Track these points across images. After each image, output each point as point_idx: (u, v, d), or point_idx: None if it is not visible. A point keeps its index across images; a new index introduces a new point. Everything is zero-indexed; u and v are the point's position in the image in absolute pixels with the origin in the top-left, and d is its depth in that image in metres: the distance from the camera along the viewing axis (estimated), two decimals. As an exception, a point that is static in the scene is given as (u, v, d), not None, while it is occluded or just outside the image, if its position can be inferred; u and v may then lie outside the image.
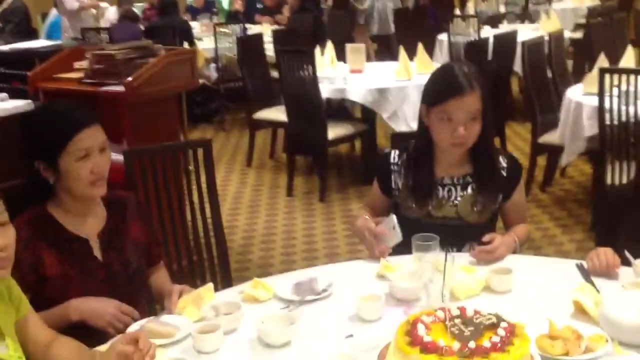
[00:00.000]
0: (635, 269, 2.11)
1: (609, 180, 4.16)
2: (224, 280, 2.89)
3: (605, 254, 2.19)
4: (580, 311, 1.94)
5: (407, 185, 2.51)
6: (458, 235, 2.30)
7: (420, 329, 1.63)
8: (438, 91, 2.39)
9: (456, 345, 1.55)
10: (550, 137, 4.97)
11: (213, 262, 2.91)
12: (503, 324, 1.65)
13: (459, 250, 2.34)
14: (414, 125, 5.22)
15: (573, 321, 1.84)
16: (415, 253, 2.17)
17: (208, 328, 1.88)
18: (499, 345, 1.56)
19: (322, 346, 1.86)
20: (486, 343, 1.56)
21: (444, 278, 1.97)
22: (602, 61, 4.61)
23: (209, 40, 8.01)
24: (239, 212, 5.31)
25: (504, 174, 2.48)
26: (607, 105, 4.07)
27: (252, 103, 6.27)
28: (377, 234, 2.33)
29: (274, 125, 6.22)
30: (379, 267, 2.25)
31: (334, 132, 5.39)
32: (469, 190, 2.46)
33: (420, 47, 5.63)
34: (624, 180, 4.10)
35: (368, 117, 5.79)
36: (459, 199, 2.47)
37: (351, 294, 2.10)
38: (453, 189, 2.47)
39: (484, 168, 2.46)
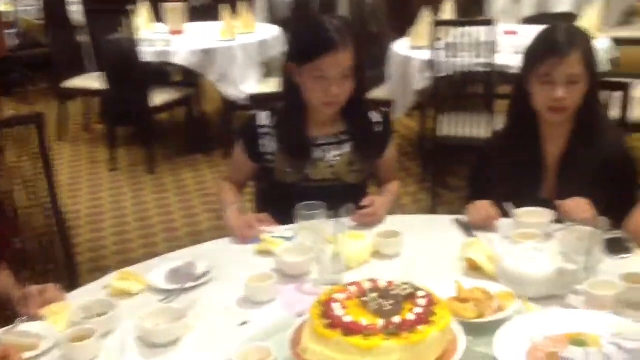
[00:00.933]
0: (516, 219, 2.11)
1: (442, 132, 4.23)
2: (69, 270, 2.58)
3: (484, 207, 2.17)
4: (473, 268, 1.89)
5: (281, 149, 2.34)
6: (336, 198, 2.16)
7: (337, 309, 1.48)
8: (309, 48, 2.23)
9: (380, 322, 1.43)
10: (377, 92, 4.98)
11: (54, 253, 2.58)
12: (420, 293, 1.54)
13: (336, 214, 2.22)
14: (243, 88, 5.06)
15: (478, 280, 1.78)
16: (300, 223, 2.02)
17: (81, 333, 1.61)
18: (423, 316, 1.46)
19: (216, 338, 1.66)
20: (410, 316, 1.45)
21: (337, 248, 1.84)
22: (427, 15, 4.66)
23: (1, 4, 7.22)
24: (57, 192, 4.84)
25: (378, 129, 2.39)
26: (439, 57, 4.11)
27: (59, 71, 5.70)
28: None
29: (86, 94, 5.74)
30: (259, 243, 2.08)
31: (157, 98, 5.05)
32: (345, 149, 2.35)
33: (242, 5, 5.41)
34: (456, 132, 4.19)
35: (191, 81, 5.51)
36: (336, 159, 2.35)
37: (235, 276, 1.91)
38: (329, 148, 2.34)
39: (358, 125, 2.36)
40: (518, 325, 1.56)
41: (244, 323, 1.71)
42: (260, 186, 2.55)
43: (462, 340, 1.49)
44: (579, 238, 1.81)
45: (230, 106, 5.21)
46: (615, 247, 1.90)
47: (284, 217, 2.20)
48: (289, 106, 2.35)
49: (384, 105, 4.89)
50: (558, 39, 2.20)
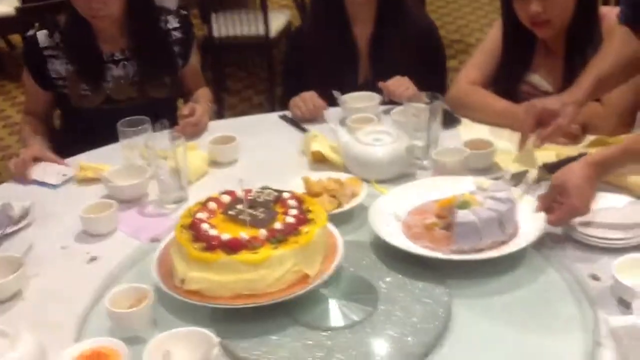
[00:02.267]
0: (344, 105, 2.07)
1: (215, 34, 4.05)
2: None
3: (310, 98, 2.10)
4: (319, 161, 1.84)
5: (74, 71, 2.06)
6: (148, 116, 1.96)
7: (208, 229, 1.33)
8: None
9: (263, 232, 1.31)
10: None
11: None
12: (285, 194, 1.45)
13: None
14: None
15: (324, 172, 1.72)
16: (124, 141, 1.82)
17: None
18: (302, 216, 1.37)
19: (66, 282, 1.44)
20: (289, 219, 1.35)
21: (174, 163, 1.67)
22: None
23: None
24: None
25: (179, 35, 2.19)
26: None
27: None
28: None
29: None
30: (76, 170, 1.84)
31: None
32: (146, 61, 2.13)
33: None
34: (228, 32, 4.03)
35: None
36: (138, 74, 2.12)
37: (61, 211, 1.69)
38: (128, 64, 2.11)
39: (151, 34, 2.13)
40: (379, 209, 1.53)
41: (92, 259, 1.51)
42: (62, 116, 2.24)
43: (336, 232, 1.43)
44: (415, 115, 1.81)
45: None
46: (445, 119, 1.93)
47: (92, 146, 1.99)
48: (72, 20, 2.06)
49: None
50: None
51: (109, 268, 1.46)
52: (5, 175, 3.58)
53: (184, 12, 2.26)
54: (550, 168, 1.71)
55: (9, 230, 1.61)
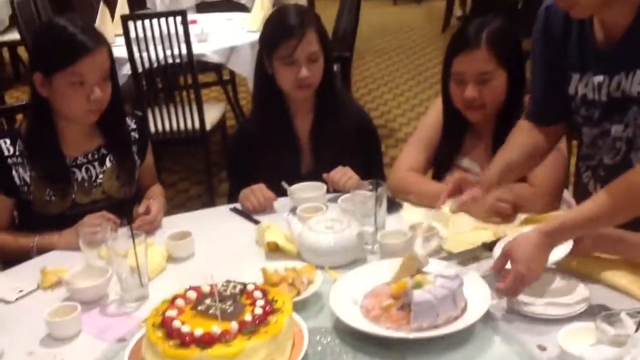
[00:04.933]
0: (292, 196, 2.17)
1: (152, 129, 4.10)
2: None
3: (259, 190, 2.19)
4: (274, 250, 1.91)
5: (38, 177, 2.10)
6: None
7: (180, 326, 1.38)
8: (61, 54, 2.02)
9: (234, 325, 1.37)
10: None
11: None
12: (250, 287, 1.52)
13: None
14: None
15: (279, 262, 1.79)
16: (83, 243, 1.86)
17: None
18: (269, 307, 1.44)
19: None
20: (258, 310, 1.42)
21: (134, 261, 1.71)
22: (104, 9, 4.46)
23: None
24: None
25: (136, 135, 2.28)
26: (133, 53, 3.95)
27: None
28: None
29: None
30: (38, 281, 1.85)
31: None
32: (107, 163, 2.20)
33: None
34: (165, 127, 4.08)
35: None
36: (101, 176, 2.18)
37: (25, 317, 1.71)
38: (91, 167, 2.17)
39: (117, 136, 2.21)
40: (337, 295, 1.61)
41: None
42: (20, 222, 2.23)
43: (300, 319, 1.51)
44: (361, 202, 1.93)
45: None
46: (388, 204, 2.04)
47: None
48: (36, 126, 2.11)
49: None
50: (291, 21, 2.28)
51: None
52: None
53: (139, 113, 2.34)
54: (489, 246, 1.84)
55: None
